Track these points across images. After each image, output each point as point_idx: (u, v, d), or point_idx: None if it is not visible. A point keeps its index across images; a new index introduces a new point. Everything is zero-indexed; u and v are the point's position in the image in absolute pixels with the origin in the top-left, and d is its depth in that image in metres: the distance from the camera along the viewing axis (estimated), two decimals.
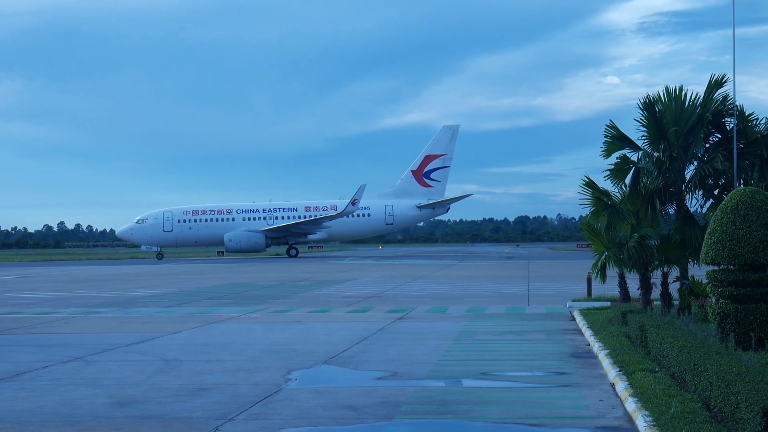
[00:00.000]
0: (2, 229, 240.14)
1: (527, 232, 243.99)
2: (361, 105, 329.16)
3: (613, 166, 25.24)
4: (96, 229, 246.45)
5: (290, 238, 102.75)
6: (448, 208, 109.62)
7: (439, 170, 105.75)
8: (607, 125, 25.44)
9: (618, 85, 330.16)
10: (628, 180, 25.17)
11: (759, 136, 23.94)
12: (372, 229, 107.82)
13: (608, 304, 29.65)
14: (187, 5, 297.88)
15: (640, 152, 25.19)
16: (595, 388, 16.27)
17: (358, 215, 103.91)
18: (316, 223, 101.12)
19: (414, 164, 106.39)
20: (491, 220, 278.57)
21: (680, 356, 14.80)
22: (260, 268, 74.50)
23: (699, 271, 23.42)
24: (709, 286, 18.73)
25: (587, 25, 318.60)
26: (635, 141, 25.29)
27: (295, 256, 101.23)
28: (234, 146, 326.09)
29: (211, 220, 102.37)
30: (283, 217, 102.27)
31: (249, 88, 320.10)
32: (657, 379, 14.88)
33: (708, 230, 18.44)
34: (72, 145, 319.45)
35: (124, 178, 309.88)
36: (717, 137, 24.87)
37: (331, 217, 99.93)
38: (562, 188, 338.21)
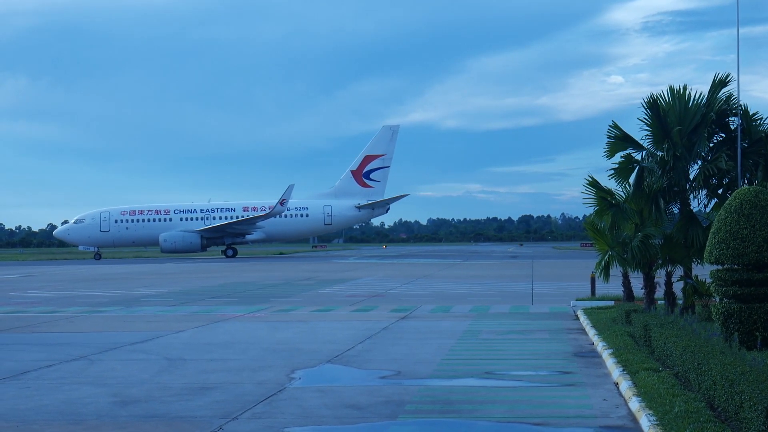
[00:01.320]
0: (6, 228, 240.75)
1: (531, 231, 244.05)
2: (364, 104, 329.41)
3: (617, 166, 25.22)
4: None
5: (227, 239, 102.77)
6: (388, 209, 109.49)
7: (379, 170, 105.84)
8: (609, 126, 25.42)
9: (622, 84, 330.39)
10: (631, 179, 25.13)
11: (763, 135, 23.88)
12: (310, 229, 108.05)
13: (612, 303, 29.64)
14: (191, 5, 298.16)
15: (644, 152, 25.16)
16: (599, 387, 16.26)
17: (297, 215, 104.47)
18: (249, 223, 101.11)
19: (353, 164, 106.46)
20: (495, 219, 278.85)
21: (684, 356, 14.79)
22: (263, 267, 74.53)
23: (703, 271, 23.40)
24: (712, 285, 18.72)
25: (591, 25, 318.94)
26: (639, 141, 25.26)
27: (232, 256, 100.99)
28: (238, 146, 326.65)
29: (148, 220, 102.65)
30: (220, 218, 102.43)
31: (253, 87, 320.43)
32: (661, 379, 14.87)
33: (712, 230, 18.43)
34: (76, 145, 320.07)
35: (128, 178, 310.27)
36: (721, 137, 24.82)
37: (261, 218, 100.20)
38: (566, 188, 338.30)
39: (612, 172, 25.32)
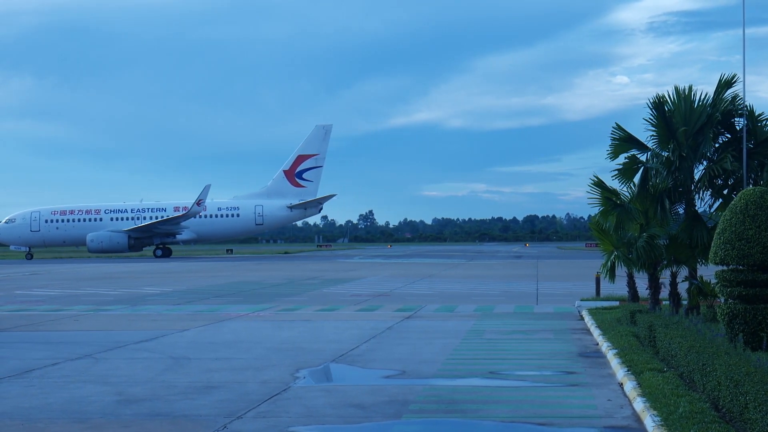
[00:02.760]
0: None
1: (536, 231, 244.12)
2: (370, 104, 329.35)
3: (621, 166, 25.21)
4: None
5: (156, 239, 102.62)
6: (321, 208, 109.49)
7: (312, 170, 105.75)
8: (613, 127, 25.43)
9: (627, 84, 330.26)
10: (636, 180, 25.14)
11: None
12: (241, 229, 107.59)
13: (617, 303, 29.61)
14: (196, 4, 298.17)
15: (649, 152, 25.16)
16: (604, 387, 16.25)
17: (228, 215, 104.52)
18: (172, 223, 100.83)
19: (286, 164, 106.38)
20: (500, 219, 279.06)
21: (689, 356, 14.78)
22: (268, 266, 74.56)
23: (708, 271, 23.38)
24: (718, 286, 18.71)
25: (597, 25, 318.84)
26: (643, 141, 25.27)
27: (161, 256, 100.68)
28: (243, 145, 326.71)
29: (79, 220, 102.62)
30: (150, 218, 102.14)
31: (258, 87, 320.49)
32: (665, 379, 14.85)
33: (717, 230, 18.42)
34: (81, 144, 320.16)
35: (134, 177, 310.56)
36: (726, 137, 24.82)
37: (180, 218, 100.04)
38: (571, 188, 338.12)
39: (616, 172, 25.33)
